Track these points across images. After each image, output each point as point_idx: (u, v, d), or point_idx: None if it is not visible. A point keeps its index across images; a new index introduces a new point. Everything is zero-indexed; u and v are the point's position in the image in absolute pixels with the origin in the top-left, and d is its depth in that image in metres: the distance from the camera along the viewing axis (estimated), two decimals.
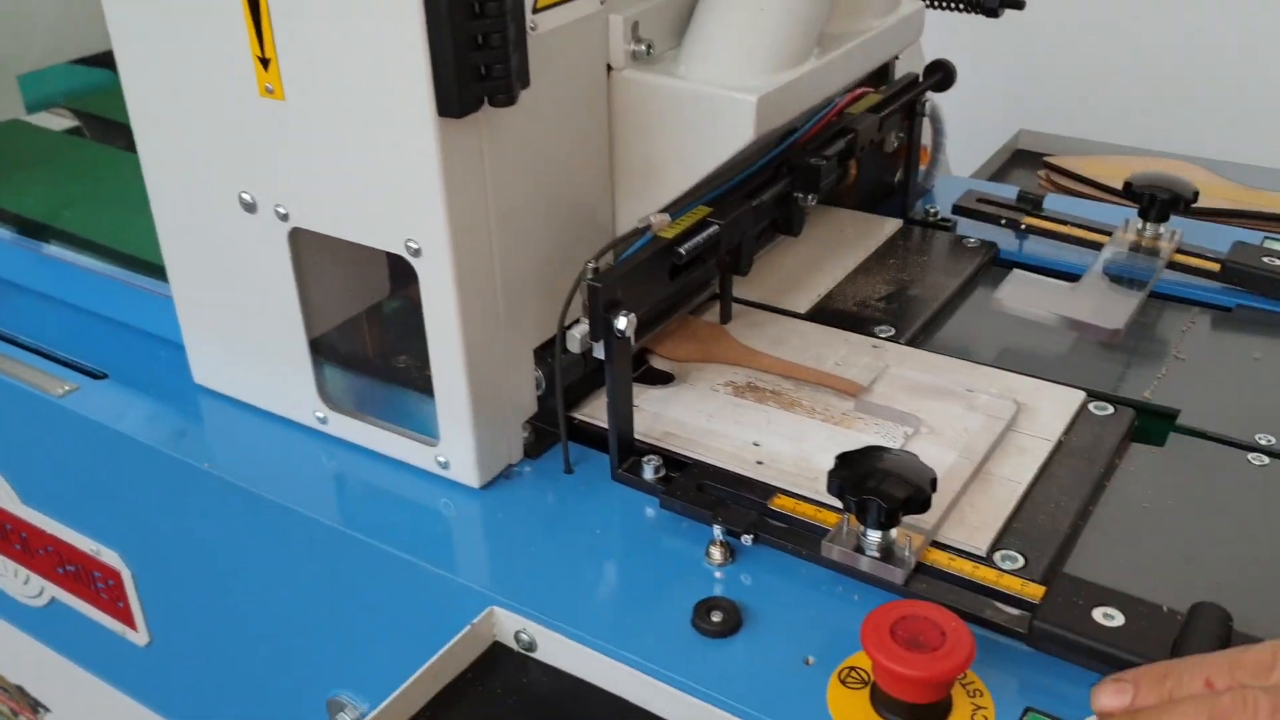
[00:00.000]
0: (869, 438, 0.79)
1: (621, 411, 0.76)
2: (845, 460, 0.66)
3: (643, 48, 0.77)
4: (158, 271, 0.89)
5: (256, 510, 0.79)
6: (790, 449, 0.78)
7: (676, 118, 0.77)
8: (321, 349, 0.82)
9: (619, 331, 0.72)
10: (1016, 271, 0.93)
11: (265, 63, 0.70)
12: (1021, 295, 0.90)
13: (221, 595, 0.87)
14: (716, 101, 0.75)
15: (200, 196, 0.79)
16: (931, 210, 1.11)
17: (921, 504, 0.64)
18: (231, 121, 0.74)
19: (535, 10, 0.69)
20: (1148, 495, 0.74)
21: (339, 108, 0.68)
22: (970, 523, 0.70)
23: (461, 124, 0.66)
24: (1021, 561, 0.67)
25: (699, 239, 0.78)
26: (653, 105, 0.77)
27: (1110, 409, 0.81)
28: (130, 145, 0.81)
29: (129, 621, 0.97)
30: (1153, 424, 0.82)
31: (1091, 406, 0.81)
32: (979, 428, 0.78)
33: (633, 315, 0.72)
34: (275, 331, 0.81)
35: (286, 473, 0.80)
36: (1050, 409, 0.80)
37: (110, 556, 0.94)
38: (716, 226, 0.79)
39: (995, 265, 1.04)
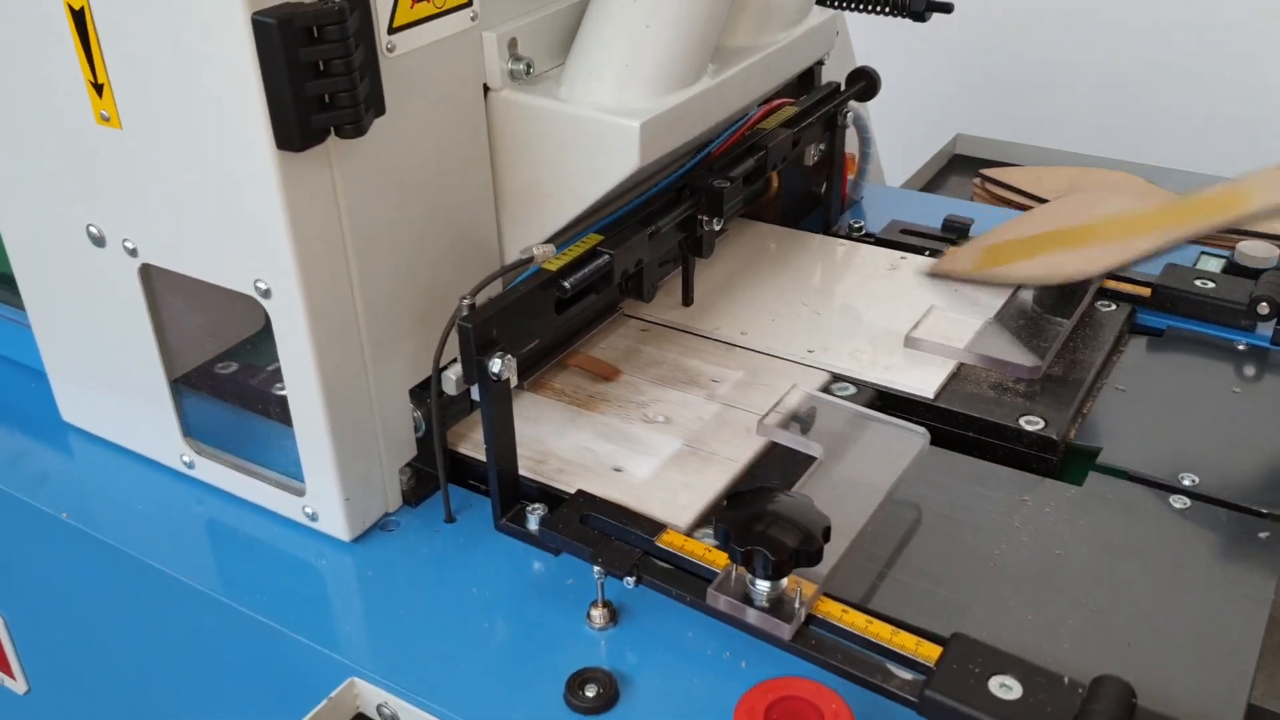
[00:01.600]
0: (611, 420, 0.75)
1: (502, 459, 0.71)
2: (735, 502, 0.62)
3: (521, 66, 0.72)
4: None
5: (116, 563, 0.74)
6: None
7: (559, 142, 0.72)
8: (186, 388, 0.76)
9: (494, 374, 0.67)
10: (934, 309, 0.90)
11: (99, 88, 0.64)
12: (938, 331, 0.87)
13: (93, 646, 0.82)
14: (598, 127, 0.70)
15: (50, 227, 0.73)
16: (856, 225, 1.06)
17: (811, 556, 0.59)
18: (72, 149, 0.68)
19: (391, 30, 0.63)
20: (1061, 540, 0.70)
21: (176, 138, 0.63)
22: (864, 565, 0.65)
23: (306, 157, 0.60)
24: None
25: (587, 270, 0.73)
26: (534, 128, 0.73)
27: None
28: None
29: (7, 670, 0.92)
30: (1073, 462, 0.78)
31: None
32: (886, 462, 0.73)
33: (509, 357, 0.67)
34: (134, 371, 0.75)
35: (149, 523, 0.75)
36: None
37: None
38: (608, 256, 0.74)
39: None
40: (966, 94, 1.39)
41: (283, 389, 0.74)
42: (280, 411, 0.73)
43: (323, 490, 0.70)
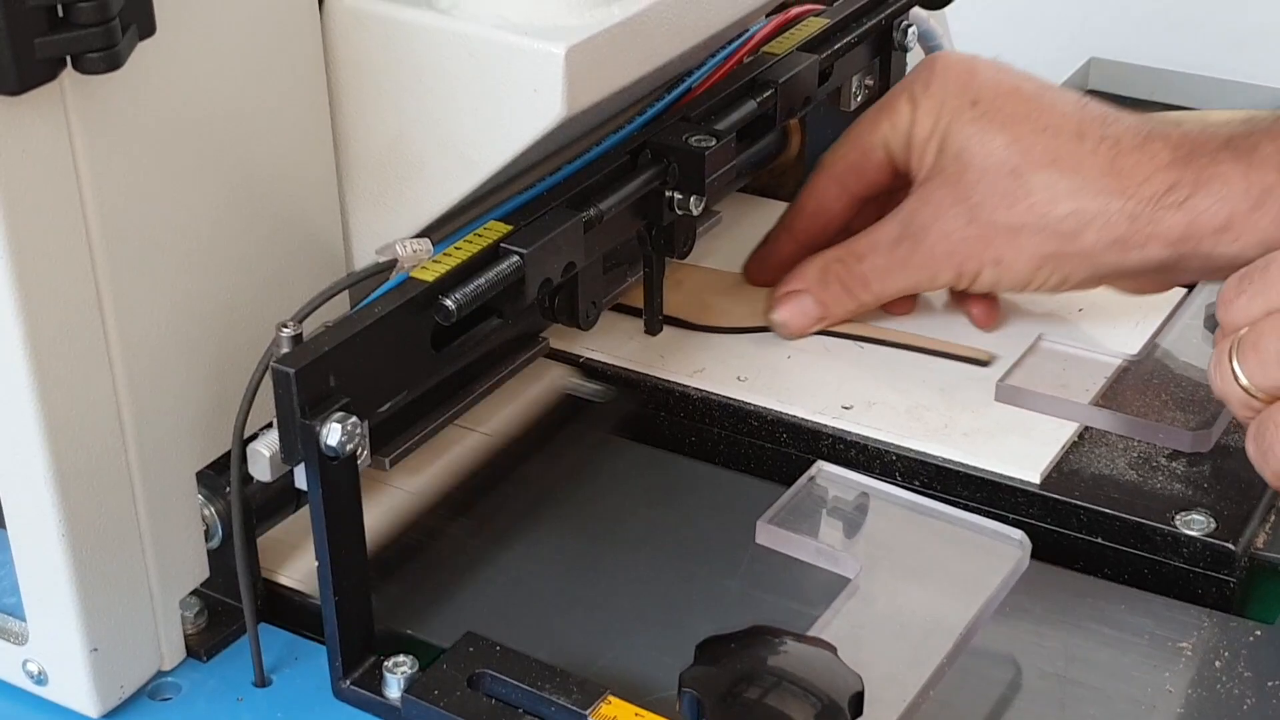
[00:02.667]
0: None
1: (347, 585, 0.71)
2: (710, 651, 0.64)
3: None
4: None
5: None
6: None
7: (438, 78, 0.75)
8: None
9: (329, 448, 0.67)
10: (1044, 339, 0.93)
11: None
12: (1046, 374, 0.90)
13: None
14: (502, 53, 0.73)
15: None
16: None
17: None
18: None
19: None
20: (1247, 703, 0.72)
21: None
22: None
23: (27, 103, 0.61)
24: None
25: (483, 281, 0.74)
26: (397, 56, 0.75)
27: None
28: None
29: None
30: (1261, 586, 0.81)
31: None
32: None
33: (355, 420, 0.68)
34: None
35: None
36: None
37: None
38: (518, 257, 0.76)
39: None
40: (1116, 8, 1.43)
41: None
42: None
43: (56, 636, 0.71)
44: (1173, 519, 0.80)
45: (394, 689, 0.71)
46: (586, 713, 0.68)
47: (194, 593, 0.76)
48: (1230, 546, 0.78)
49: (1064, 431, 0.86)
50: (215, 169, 0.71)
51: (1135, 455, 0.85)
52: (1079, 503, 0.82)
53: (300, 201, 0.77)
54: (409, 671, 0.72)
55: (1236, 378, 0.70)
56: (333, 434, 0.67)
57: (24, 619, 0.72)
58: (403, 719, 0.71)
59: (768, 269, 0.99)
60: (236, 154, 0.72)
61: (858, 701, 0.62)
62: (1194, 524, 0.79)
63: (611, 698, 0.68)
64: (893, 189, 0.94)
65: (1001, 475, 0.84)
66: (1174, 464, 0.85)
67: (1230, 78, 1.31)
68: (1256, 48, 1.39)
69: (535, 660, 0.71)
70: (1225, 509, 0.81)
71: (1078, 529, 0.81)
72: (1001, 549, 0.76)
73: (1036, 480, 0.83)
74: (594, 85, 0.74)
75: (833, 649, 0.65)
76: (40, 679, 0.73)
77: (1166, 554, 0.79)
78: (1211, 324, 0.83)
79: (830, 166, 0.97)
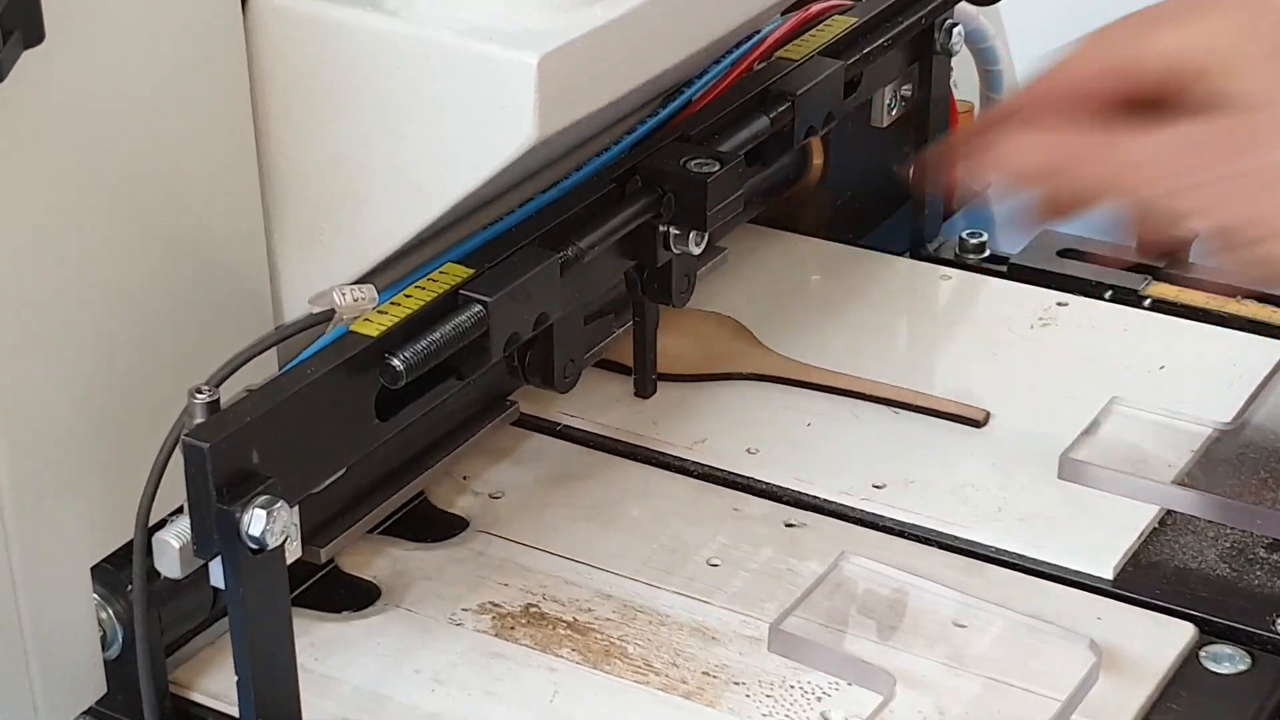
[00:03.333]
0: None
1: (274, 701, 0.72)
2: None
3: None
4: None
5: None
6: None
7: (385, 94, 0.76)
8: None
9: (252, 539, 0.68)
10: (1117, 403, 0.94)
11: None
12: (1122, 440, 0.90)
13: None
14: (464, 63, 0.74)
15: None
16: (974, 237, 1.09)
17: None
18: None
19: None
20: None
21: None
22: None
23: None
24: None
25: (438, 335, 0.75)
26: (336, 65, 0.76)
27: (1246, 660, 0.81)
28: None
29: None
30: None
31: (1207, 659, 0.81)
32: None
33: (283, 505, 0.68)
34: None
35: None
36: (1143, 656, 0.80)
37: None
38: (480, 307, 0.76)
39: None
40: None
41: None
42: None
43: None
44: (1274, 622, 0.80)
45: None
46: None
47: (88, 711, 0.76)
48: None
49: (1141, 518, 0.87)
50: (115, 201, 0.72)
51: (1228, 545, 0.86)
52: (1163, 604, 0.82)
53: (219, 240, 0.77)
54: None
55: None
56: (256, 522, 0.67)
57: None
58: None
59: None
60: (142, 184, 0.73)
61: None
62: None
63: None
64: None
65: (1065, 568, 0.84)
66: (1275, 555, 0.85)
67: None
68: None
69: None
70: None
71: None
72: (1070, 657, 0.77)
73: (1110, 575, 0.84)
74: (573, 101, 0.75)
75: None
76: None
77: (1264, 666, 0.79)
78: None
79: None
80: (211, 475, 0.67)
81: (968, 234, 1.10)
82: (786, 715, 0.77)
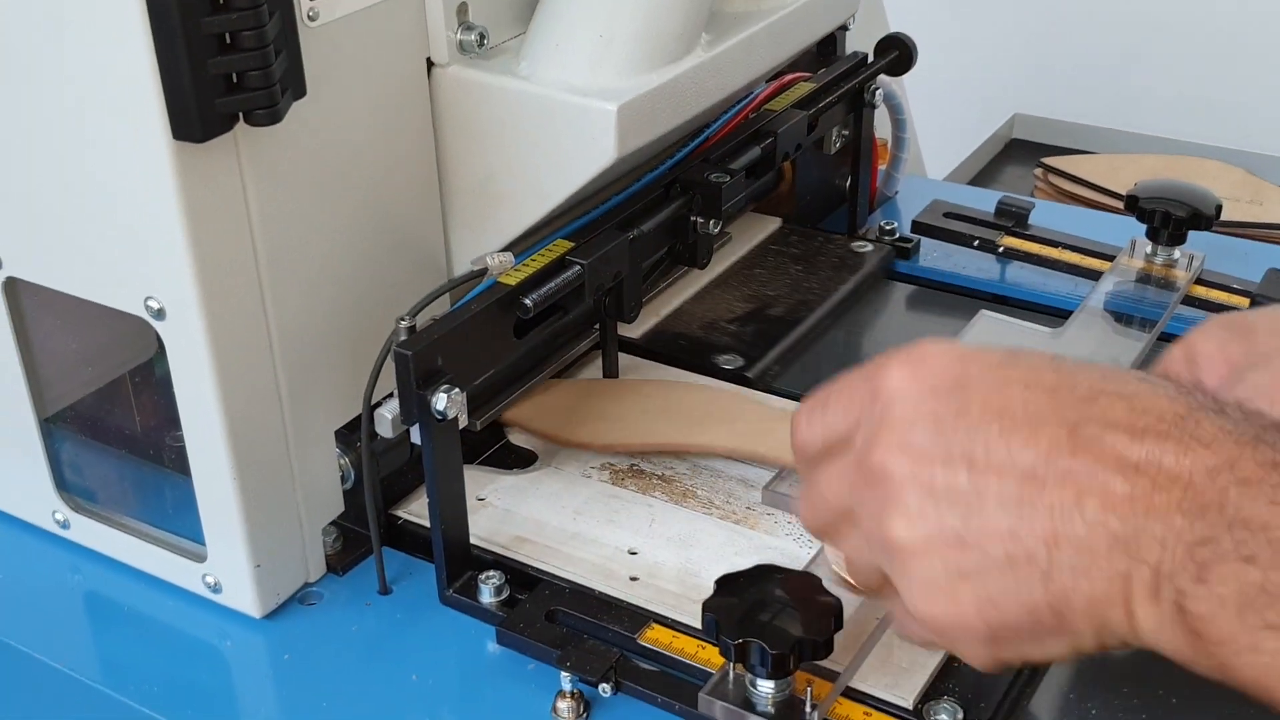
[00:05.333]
0: (779, 541, 0.76)
1: (449, 516, 0.72)
2: (725, 585, 0.63)
3: (473, 37, 0.74)
4: None
5: None
6: (675, 559, 0.75)
7: (519, 130, 0.75)
8: (60, 430, 0.78)
9: (438, 412, 0.68)
10: (984, 313, 0.91)
11: None
12: (991, 339, 0.88)
13: None
14: (567, 111, 0.73)
15: None
16: (888, 226, 1.08)
17: (821, 647, 0.61)
18: None
19: None
20: None
21: (52, 129, 0.65)
22: (896, 663, 0.67)
23: (209, 149, 0.62)
24: (960, 715, 0.64)
25: (553, 285, 0.75)
26: (488, 113, 0.75)
27: None
28: None
29: None
30: None
31: None
32: None
33: (457, 391, 0.69)
34: None
35: (15, 597, 0.77)
36: None
37: None
38: (579, 267, 0.76)
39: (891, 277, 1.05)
40: (1026, 66, 1.42)
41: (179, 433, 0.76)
42: (175, 458, 0.75)
43: (228, 555, 0.72)
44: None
45: (487, 596, 0.73)
46: (636, 635, 0.69)
47: (332, 523, 0.77)
48: None
49: None
50: (349, 199, 0.72)
51: None
52: None
53: (412, 226, 0.77)
54: (498, 583, 0.73)
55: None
56: (440, 402, 0.68)
57: (204, 544, 0.73)
58: (493, 619, 0.72)
59: None
60: (364, 188, 0.73)
61: (839, 618, 0.61)
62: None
63: (655, 625, 0.70)
64: None
65: None
66: None
67: (1127, 129, 1.31)
68: (1146, 106, 1.40)
69: (600, 594, 0.72)
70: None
71: None
72: None
73: None
74: (637, 134, 0.74)
75: (817, 579, 0.63)
76: (216, 589, 0.74)
77: None
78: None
79: None
80: (413, 372, 0.68)
81: (884, 222, 1.09)
82: (802, 534, 0.76)
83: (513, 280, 0.74)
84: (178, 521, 0.76)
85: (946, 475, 0.48)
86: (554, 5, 0.75)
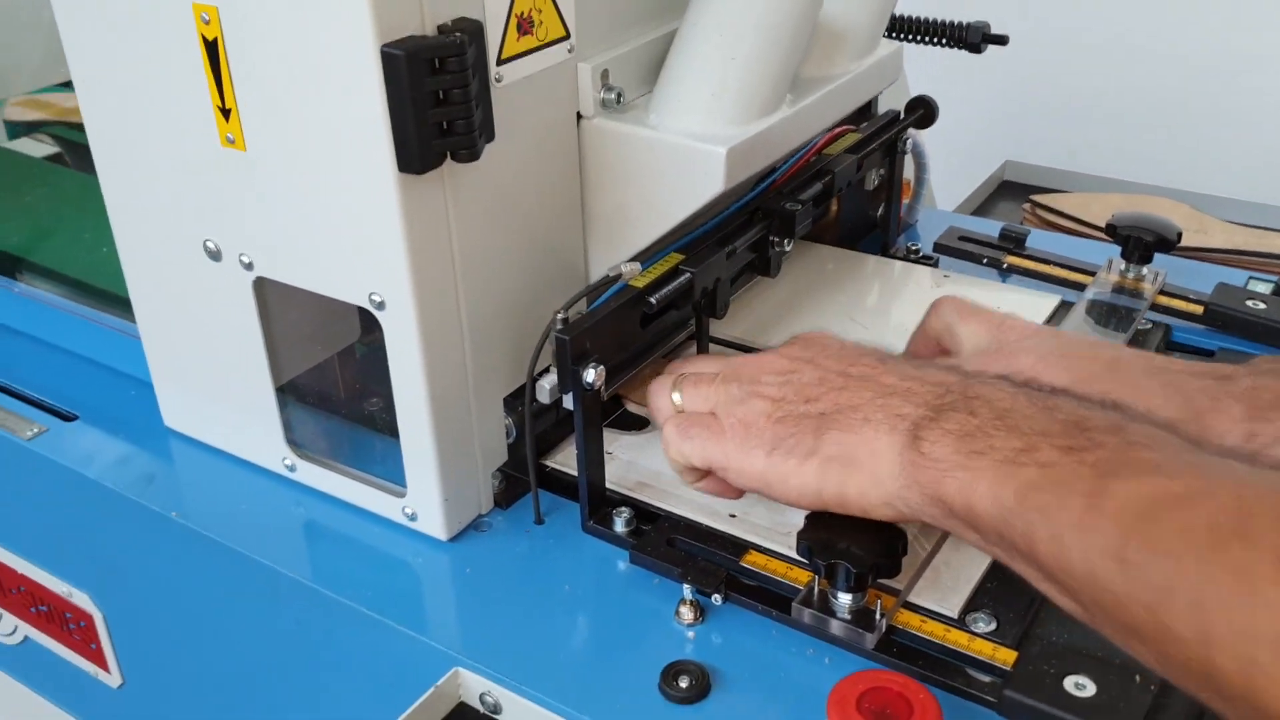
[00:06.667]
0: None
1: (591, 464, 0.74)
2: (814, 520, 0.65)
3: (613, 96, 0.76)
4: (129, 308, 0.88)
5: (222, 560, 0.78)
6: (761, 502, 0.76)
7: (647, 167, 0.76)
8: (289, 395, 0.80)
9: (587, 384, 0.70)
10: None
11: (226, 113, 0.69)
12: None
13: (192, 641, 0.86)
14: (686, 152, 0.74)
15: (166, 242, 0.78)
16: (913, 247, 1.09)
17: (891, 569, 0.62)
18: (194, 169, 0.72)
19: (500, 62, 0.67)
20: None
21: (300, 160, 0.67)
22: (943, 584, 0.68)
23: (424, 179, 0.64)
24: (994, 624, 0.66)
25: (670, 288, 0.77)
26: (623, 154, 0.76)
27: None
28: None
29: (101, 663, 0.96)
30: None
31: None
32: None
33: (601, 367, 0.71)
34: (242, 378, 0.79)
35: (253, 522, 0.79)
36: None
37: (82, 599, 0.93)
38: (689, 274, 0.78)
39: None
40: (1015, 121, 1.43)
41: (377, 399, 0.78)
42: (383, 417, 0.77)
43: (424, 491, 0.74)
44: None
45: (619, 526, 0.75)
46: (739, 558, 0.71)
47: (498, 469, 0.78)
48: None
49: None
50: (518, 220, 0.73)
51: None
52: None
53: (561, 241, 0.79)
54: (627, 517, 0.75)
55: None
56: (589, 375, 0.70)
57: (402, 483, 0.76)
58: (624, 544, 0.74)
59: None
60: (529, 212, 0.74)
61: (904, 545, 0.62)
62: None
63: (753, 551, 0.71)
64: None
65: None
66: None
67: (1093, 173, 1.31)
68: (1108, 154, 1.41)
69: (708, 527, 0.74)
70: None
71: None
72: None
73: None
74: (739, 171, 0.75)
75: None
76: (413, 518, 0.76)
77: None
78: None
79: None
80: (569, 352, 0.70)
81: (910, 244, 1.10)
82: None
83: (641, 283, 0.76)
84: (379, 466, 0.79)
85: (790, 366, 0.63)
86: (676, 71, 0.76)
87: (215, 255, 0.75)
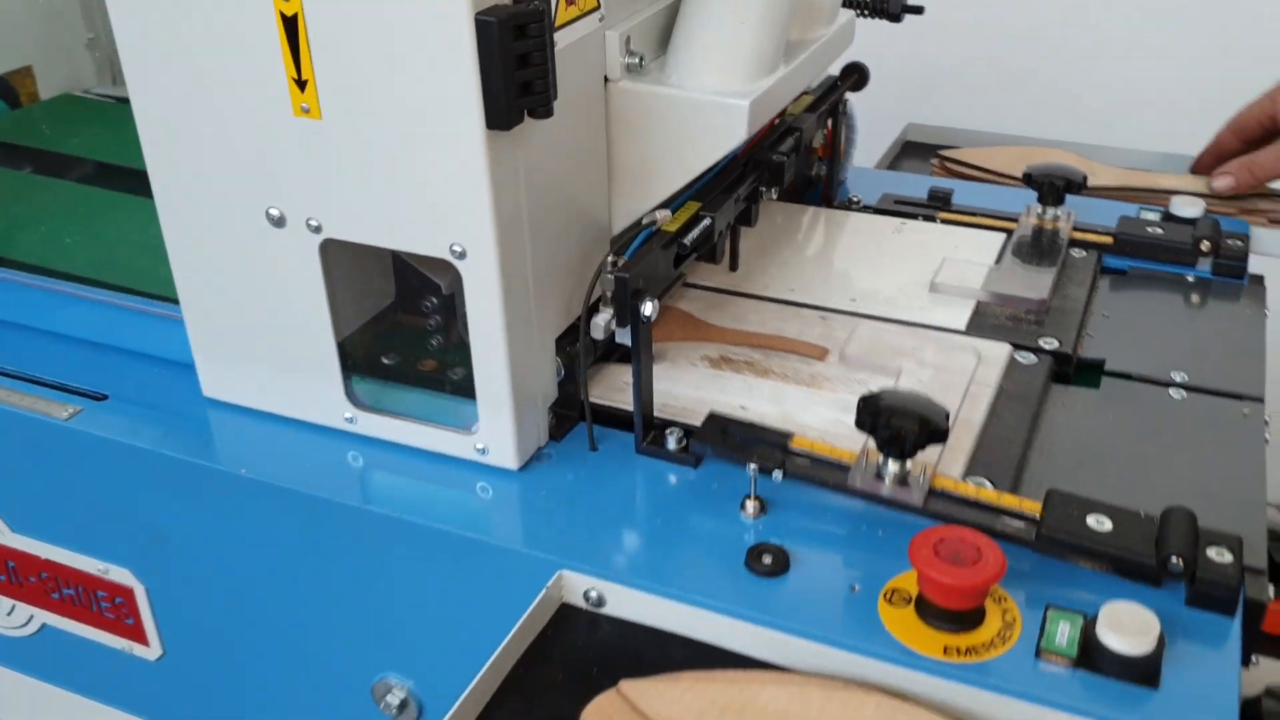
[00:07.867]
0: (842, 396, 0.87)
1: (645, 390, 0.82)
2: (869, 400, 0.73)
3: (635, 60, 0.83)
4: (146, 292, 0.91)
5: (298, 511, 0.81)
6: (774, 410, 0.85)
7: (671, 123, 0.83)
8: (345, 352, 0.85)
9: (645, 317, 0.78)
10: (947, 259, 1.05)
11: (302, 84, 0.73)
12: (955, 277, 1.02)
13: (254, 599, 0.88)
14: (712, 107, 0.81)
15: (219, 213, 0.81)
16: (855, 198, 1.20)
17: (941, 434, 0.71)
18: (259, 140, 0.76)
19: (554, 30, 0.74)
20: (1089, 429, 0.85)
21: (380, 124, 0.72)
22: (945, 456, 0.79)
23: (505, 135, 0.70)
24: (989, 486, 0.76)
25: (696, 230, 0.85)
26: (650, 113, 0.83)
27: (1034, 358, 0.90)
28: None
29: (140, 638, 0.98)
30: (1085, 371, 0.93)
31: (1017, 356, 0.91)
32: (937, 380, 0.87)
33: (656, 301, 0.78)
34: (303, 339, 0.83)
35: (324, 471, 0.82)
36: (986, 361, 0.90)
37: (120, 574, 0.94)
38: (709, 218, 0.87)
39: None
40: (915, 86, 1.58)
41: (435, 345, 0.84)
42: (453, 359, 0.82)
43: (496, 427, 0.80)
44: (1038, 341, 0.93)
45: (671, 444, 0.82)
46: (787, 443, 0.79)
47: (551, 406, 0.84)
48: (1069, 352, 0.92)
49: (970, 304, 0.98)
50: (564, 176, 0.80)
51: (1008, 313, 0.98)
52: (988, 339, 0.95)
53: (593, 195, 0.85)
54: (679, 435, 0.82)
55: None
56: (647, 309, 0.78)
57: (463, 424, 0.81)
58: (679, 460, 0.81)
59: (1210, 159, 1.20)
60: (568, 168, 0.80)
61: (948, 416, 0.71)
62: (1049, 342, 0.90)
63: (797, 437, 0.79)
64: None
65: (944, 326, 0.95)
66: (1029, 316, 0.97)
67: (989, 130, 1.44)
68: (1002, 110, 1.58)
69: (751, 423, 0.81)
70: (1062, 335, 0.94)
71: None
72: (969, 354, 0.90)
73: (963, 328, 0.95)
74: (756, 122, 0.83)
75: (929, 396, 0.72)
76: (484, 452, 0.82)
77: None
78: None
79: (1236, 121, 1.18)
80: (627, 289, 0.76)
81: (853, 195, 1.20)
82: (856, 390, 0.86)
83: (673, 227, 0.84)
84: (433, 412, 0.84)
85: None
86: (691, 35, 0.83)
87: (279, 221, 0.79)
